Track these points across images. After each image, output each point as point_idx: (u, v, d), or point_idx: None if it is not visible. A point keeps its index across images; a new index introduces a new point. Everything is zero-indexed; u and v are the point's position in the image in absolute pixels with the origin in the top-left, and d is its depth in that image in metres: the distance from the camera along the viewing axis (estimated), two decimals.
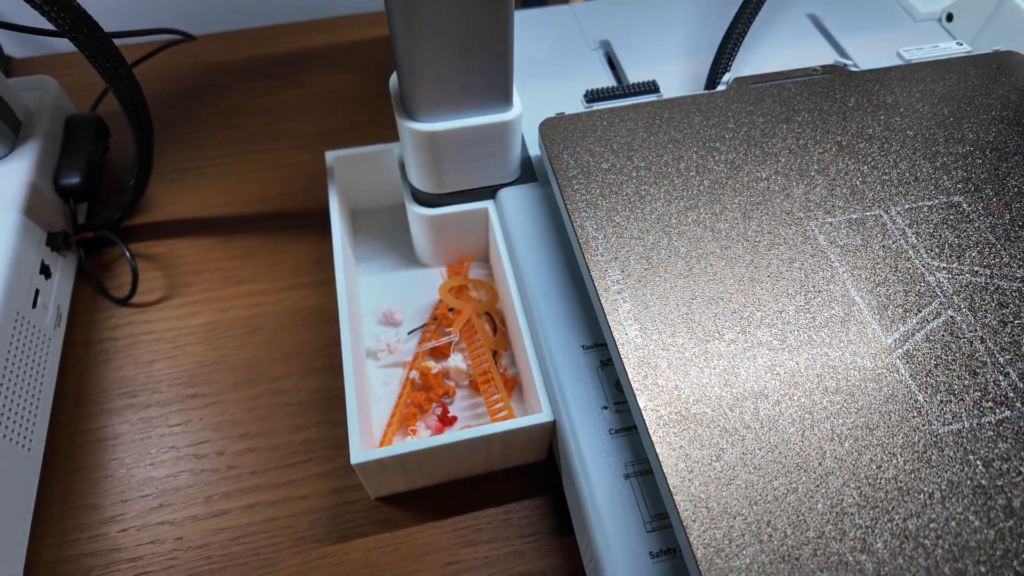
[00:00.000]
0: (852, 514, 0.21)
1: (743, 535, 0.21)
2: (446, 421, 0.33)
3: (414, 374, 0.34)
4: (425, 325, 0.36)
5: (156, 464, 0.33)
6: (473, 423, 0.33)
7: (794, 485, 0.22)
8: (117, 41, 0.35)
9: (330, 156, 0.37)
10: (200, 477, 0.33)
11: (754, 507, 0.22)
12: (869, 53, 0.41)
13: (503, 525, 0.31)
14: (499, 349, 0.35)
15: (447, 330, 0.35)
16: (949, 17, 0.42)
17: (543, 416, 0.28)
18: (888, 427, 0.23)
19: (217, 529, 0.31)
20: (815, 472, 0.22)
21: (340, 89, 0.50)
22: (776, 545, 0.21)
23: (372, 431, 0.32)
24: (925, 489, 0.22)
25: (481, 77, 0.29)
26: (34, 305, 0.34)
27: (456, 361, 0.34)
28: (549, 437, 0.30)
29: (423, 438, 0.30)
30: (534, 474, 0.32)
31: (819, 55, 0.41)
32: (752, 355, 0.25)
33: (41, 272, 0.36)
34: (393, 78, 0.32)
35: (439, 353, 0.35)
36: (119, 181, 0.44)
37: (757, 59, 0.41)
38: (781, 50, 0.41)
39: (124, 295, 0.38)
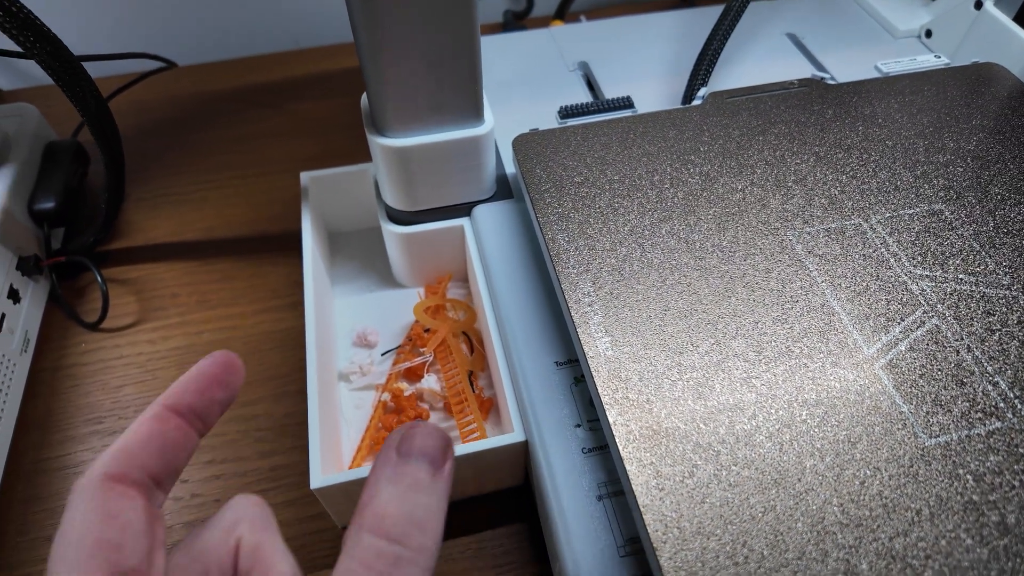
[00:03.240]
0: (834, 533, 0.20)
1: (717, 557, 0.20)
2: None
3: (386, 396, 0.33)
4: (400, 346, 0.35)
5: None
6: None
7: (772, 503, 0.21)
8: (92, 64, 0.35)
9: (305, 177, 0.37)
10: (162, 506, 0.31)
11: (729, 527, 0.20)
12: (847, 68, 0.40)
13: (476, 555, 0.29)
14: (476, 369, 0.34)
15: (421, 350, 0.34)
16: (928, 33, 0.42)
17: (515, 436, 0.27)
18: (871, 440, 0.22)
19: None
20: (794, 489, 0.21)
21: (326, 116, 0.50)
22: (753, 567, 0.19)
23: (341, 456, 0.31)
24: (912, 506, 0.20)
25: (449, 91, 0.29)
26: None
27: (430, 382, 0.33)
28: (523, 459, 0.29)
29: None
30: (510, 500, 0.31)
31: (798, 72, 0.41)
32: (727, 367, 0.24)
33: (9, 296, 0.35)
34: (364, 96, 0.32)
35: (413, 374, 0.34)
36: (99, 207, 0.44)
37: (735, 76, 0.41)
38: (760, 67, 0.41)
39: (96, 320, 0.38)
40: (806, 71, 0.41)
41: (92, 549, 0.15)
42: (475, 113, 0.30)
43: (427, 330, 0.35)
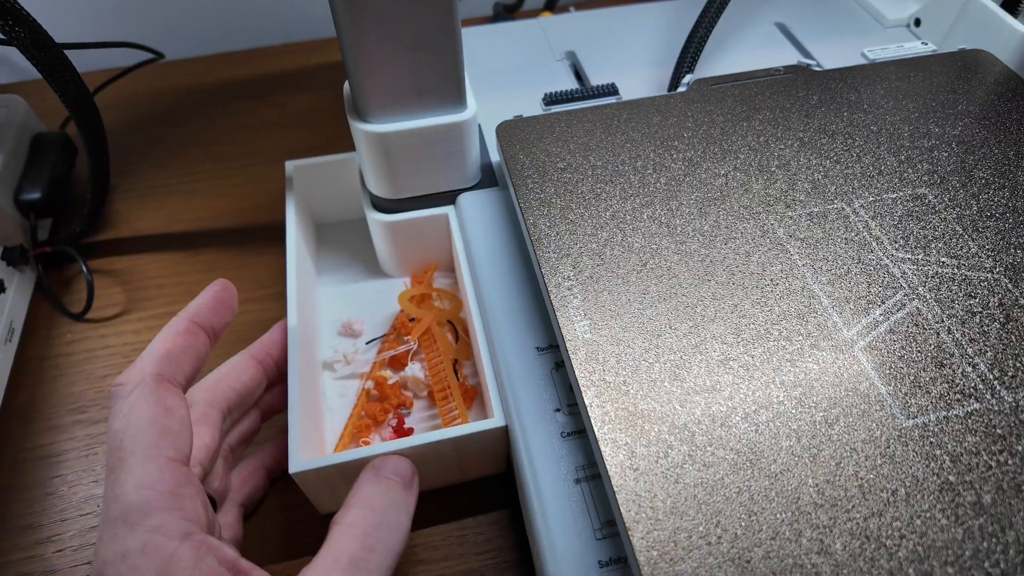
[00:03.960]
0: (809, 514, 0.20)
1: (690, 537, 0.19)
2: (401, 432, 0.31)
3: (369, 384, 0.32)
4: (385, 335, 0.35)
5: (100, 481, 0.32)
6: None
7: (747, 483, 0.20)
8: (80, 58, 0.35)
9: (290, 166, 0.37)
10: None
11: (703, 507, 0.20)
12: (835, 56, 0.40)
13: (458, 542, 0.29)
14: (460, 358, 0.34)
15: (406, 339, 0.34)
16: (917, 22, 0.42)
17: (495, 421, 0.27)
18: (849, 421, 0.22)
19: None
20: (769, 470, 0.21)
21: (315, 109, 0.50)
22: (726, 548, 0.19)
23: (324, 443, 0.31)
24: (888, 486, 0.20)
25: (431, 75, 0.29)
26: None
27: (414, 371, 0.33)
28: (504, 444, 0.28)
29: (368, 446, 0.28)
30: (493, 487, 0.30)
31: (786, 60, 0.41)
32: (705, 350, 0.24)
33: None
34: (346, 83, 0.31)
35: (397, 363, 0.34)
36: (85, 198, 0.44)
37: (724, 65, 0.40)
38: (748, 56, 0.41)
39: (81, 310, 0.38)
40: (794, 60, 0.41)
41: (158, 436, 0.19)
42: (457, 98, 0.30)
43: (412, 319, 0.35)
